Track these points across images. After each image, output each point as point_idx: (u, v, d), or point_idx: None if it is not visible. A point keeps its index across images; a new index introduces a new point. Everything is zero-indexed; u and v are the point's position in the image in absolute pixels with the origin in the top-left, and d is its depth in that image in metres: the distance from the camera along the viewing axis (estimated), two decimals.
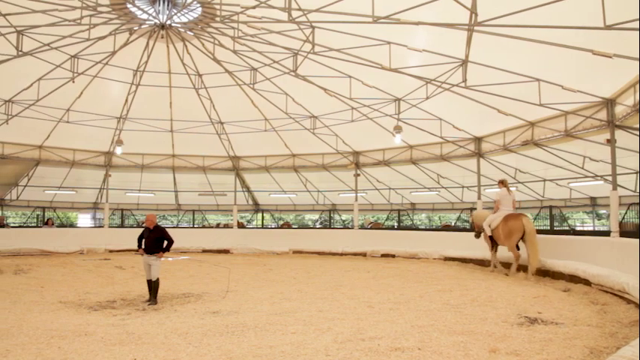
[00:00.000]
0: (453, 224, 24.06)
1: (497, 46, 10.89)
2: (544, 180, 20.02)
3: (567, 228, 18.75)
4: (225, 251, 20.87)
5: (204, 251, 20.73)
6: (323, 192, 26.29)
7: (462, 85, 12.67)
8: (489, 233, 13.16)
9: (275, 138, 21.20)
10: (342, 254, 19.27)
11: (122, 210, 24.56)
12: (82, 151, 21.63)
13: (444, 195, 24.32)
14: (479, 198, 17.67)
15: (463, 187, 22.82)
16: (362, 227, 22.30)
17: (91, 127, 19.61)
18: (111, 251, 19.78)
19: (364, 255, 18.52)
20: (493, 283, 11.14)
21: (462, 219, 24.77)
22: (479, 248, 15.35)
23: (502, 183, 13.21)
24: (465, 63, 12.19)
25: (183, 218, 28.49)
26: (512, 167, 19.16)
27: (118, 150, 19.15)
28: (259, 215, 27.65)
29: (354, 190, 21.75)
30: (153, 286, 9.20)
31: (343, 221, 26.96)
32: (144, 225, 9.62)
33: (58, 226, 22.60)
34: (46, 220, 22.45)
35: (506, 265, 13.33)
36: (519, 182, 20.46)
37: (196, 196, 26.84)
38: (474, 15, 9.30)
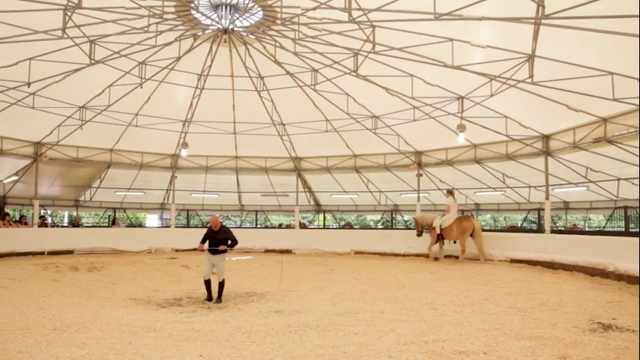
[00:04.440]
0: (519, 225, 23.29)
1: (566, 38, 10.44)
2: (618, 179, 18.92)
3: None
4: (288, 251, 21.12)
5: (267, 251, 21.07)
6: (385, 192, 26.05)
7: (529, 81, 12.21)
8: (438, 231, 17.05)
9: (336, 138, 21.24)
10: (404, 255, 19.06)
11: (187, 210, 25.45)
12: (150, 153, 22.50)
13: (510, 195, 23.51)
14: (547, 198, 16.94)
15: (530, 186, 21.98)
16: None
17: (158, 131, 20.34)
18: (177, 250, 20.45)
19: (427, 256, 18.23)
20: (562, 286, 10.70)
21: (528, 220, 23.89)
22: (547, 250, 14.76)
23: (450, 193, 17.73)
24: (531, 58, 11.76)
25: (246, 219, 29.15)
26: (582, 166, 18.24)
27: (184, 152, 19.87)
28: (321, 216, 27.83)
29: (416, 190, 21.45)
30: (219, 286, 9.49)
31: (405, 222, 26.66)
32: (208, 225, 9.92)
33: (127, 226, 23.69)
34: (113, 220, 23.57)
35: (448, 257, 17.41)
36: (590, 181, 19.46)
37: (259, 197, 27.31)
38: (540, 8, 8.97)
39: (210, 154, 23.29)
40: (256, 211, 26.08)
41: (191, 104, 19.12)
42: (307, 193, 27.02)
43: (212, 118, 20.19)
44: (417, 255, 18.74)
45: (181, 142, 20.28)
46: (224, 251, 9.52)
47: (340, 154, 22.77)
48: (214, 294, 9.61)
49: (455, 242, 17.22)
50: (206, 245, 9.67)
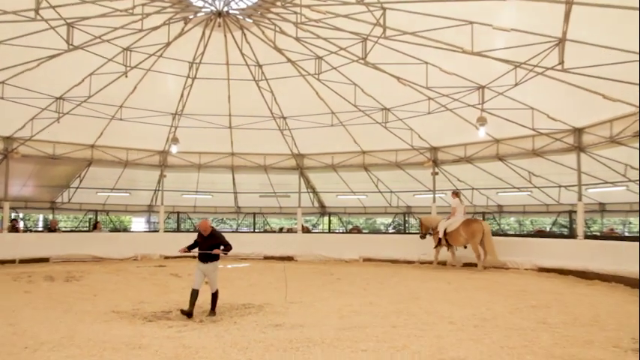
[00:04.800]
0: (547, 229, 23.16)
1: (603, 19, 10.30)
2: None
3: None
4: (289, 258, 21.02)
5: (266, 258, 20.99)
6: (396, 193, 25.94)
7: (559, 67, 12.09)
8: (441, 235, 17.39)
9: (343, 133, 21.18)
10: (418, 263, 18.93)
11: (178, 213, 25.40)
12: (136, 150, 22.49)
13: (537, 196, 23.34)
14: (579, 199, 16.77)
15: (560, 186, 21.79)
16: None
17: (145, 125, 20.30)
18: (166, 257, 20.28)
19: (444, 264, 18.12)
20: (599, 299, 10.57)
21: (559, 224, 23.74)
22: (581, 257, 14.62)
23: (456, 194, 18.11)
24: (561, 42, 11.63)
25: (243, 222, 29.08)
26: (620, 163, 18.03)
27: (174, 149, 19.85)
28: (326, 219, 27.76)
29: (431, 190, 21.36)
30: (212, 297, 9.37)
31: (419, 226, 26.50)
32: (198, 230, 9.73)
33: (110, 231, 23.61)
34: (94, 223, 23.50)
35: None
36: (630, 180, 19.25)
37: (257, 198, 27.26)
38: None
39: (204, 150, 23.27)
40: (254, 214, 26.05)
41: (182, 95, 19.06)
42: (310, 194, 26.94)
43: (205, 111, 20.13)
44: (432, 262, 18.59)
45: (171, 138, 20.23)
46: (216, 259, 9.36)
47: (347, 151, 22.69)
48: (203, 307, 9.47)
49: (465, 247, 17.45)
50: (195, 251, 9.47)
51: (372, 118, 19.47)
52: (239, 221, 29.99)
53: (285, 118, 20.86)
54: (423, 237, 18.74)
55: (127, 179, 24.61)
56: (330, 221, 26.95)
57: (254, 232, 25.31)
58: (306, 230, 24.46)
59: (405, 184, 24.59)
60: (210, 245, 9.27)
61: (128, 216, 33.29)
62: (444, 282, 13.89)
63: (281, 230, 27.58)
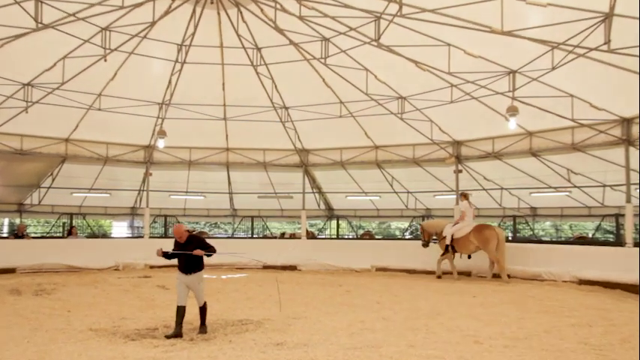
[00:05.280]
0: (589, 235, 23.03)
1: None
2: None
3: None
4: (292, 268, 21.01)
5: (266, 268, 20.96)
6: (414, 193, 25.92)
7: (604, 48, 11.99)
8: (449, 242, 17.51)
9: (353, 126, 21.16)
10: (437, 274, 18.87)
11: (165, 217, 25.41)
12: (117, 144, 22.44)
13: (577, 197, 23.22)
14: (628, 201, 16.59)
15: (604, 186, 21.67)
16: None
17: (128, 116, 20.21)
18: (152, 267, 20.31)
19: (468, 274, 18.04)
20: None
21: (603, 229, 23.62)
22: (630, 268, 14.46)
23: (465, 196, 18.24)
24: (608, 18, 11.53)
25: (239, 227, 29.07)
26: None
27: (161, 143, 19.78)
28: (333, 223, 27.72)
29: (454, 190, 21.29)
30: (200, 312, 9.30)
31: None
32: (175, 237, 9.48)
33: (87, 237, 23.58)
34: (69, 228, 23.46)
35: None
36: None
37: (256, 199, 27.31)
38: None
39: (195, 145, 23.27)
40: (252, 217, 26.03)
41: (169, 82, 19.04)
42: (316, 195, 26.93)
43: (196, 100, 20.12)
44: (457, 273, 18.53)
45: (157, 131, 20.17)
46: (200, 268, 9.21)
47: (358, 146, 22.66)
48: (193, 323, 9.41)
49: (469, 257, 17.75)
50: (180, 261, 9.33)
51: (386, 108, 19.41)
52: (235, 225, 30.02)
53: (287, 108, 20.83)
54: (425, 245, 18.86)
55: (107, 178, 24.65)
56: (338, 226, 26.90)
57: (252, 237, 25.27)
58: (311, 236, 24.41)
59: (423, 184, 24.59)
60: (188, 255, 9.09)
61: (108, 220, 33.34)
62: (468, 295, 13.86)
63: (283, 236, 27.50)
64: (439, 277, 18.01)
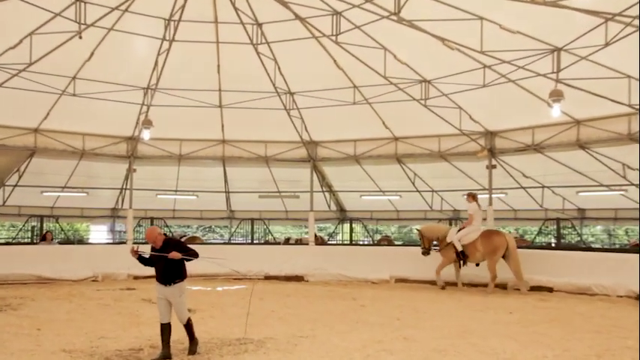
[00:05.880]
0: None
1: None
2: None
3: None
4: (298, 278, 20.99)
5: (269, 278, 20.96)
6: (439, 192, 25.90)
7: None
8: (459, 248, 17.70)
9: (369, 114, 21.12)
10: (469, 284, 18.82)
11: (152, 219, 25.46)
12: (95, 136, 22.41)
13: (635, 196, 23.03)
14: None
15: None
16: None
17: (107, 103, 20.21)
18: (136, 278, 20.26)
19: (504, 287, 17.96)
20: None
21: None
22: None
23: (473, 197, 18.48)
24: None
25: (237, 231, 29.10)
26: None
27: (146, 134, 19.73)
28: (346, 226, 27.67)
29: (486, 189, 21.25)
30: (186, 330, 9.18)
31: None
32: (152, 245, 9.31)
33: (61, 243, 23.61)
34: (43, 233, 23.44)
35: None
36: None
37: (256, 199, 27.36)
38: None
39: (185, 137, 23.33)
40: (252, 220, 26.04)
41: (156, 64, 19.01)
42: (326, 194, 26.90)
43: (187, 85, 20.09)
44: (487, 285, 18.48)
45: (142, 120, 20.17)
46: (180, 278, 9.07)
47: (374, 137, 22.68)
48: (184, 343, 9.38)
49: (477, 265, 18.02)
50: (158, 270, 9.24)
51: (407, 93, 19.34)
52: (232, 229, 30.04)
53: (292, 93, 20.82)
54: (426, 252, 19.04)
55: (84, 175, 24.72)
56: (351, 230, 26.88)
57: (252, 243, 25.27)
58: (320, 241, 24.38)
59: (451, 181, 24.64)
60: (166, 262, 8.96)
61: (85, 223, 33.45)
62: (503, 311, 13.81)
63: (287, 242, 27.56)
64: (443, 287, 18.28)
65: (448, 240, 18.14)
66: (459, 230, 18.23)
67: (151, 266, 9.08)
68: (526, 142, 20.23)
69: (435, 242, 18.97)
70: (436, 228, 19.66)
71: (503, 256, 17.39)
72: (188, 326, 9.17)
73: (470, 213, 18.21)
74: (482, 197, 22.44)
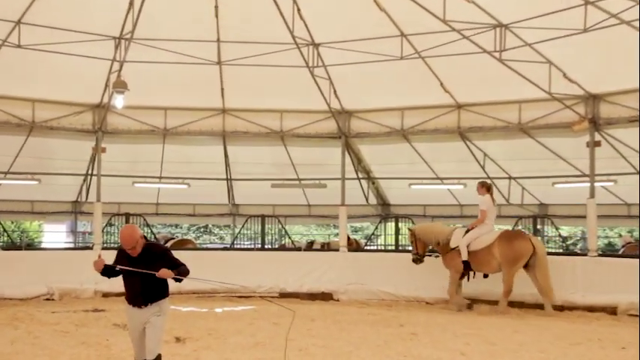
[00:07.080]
0: None
1: None
2: None
3: None
4: (325, 296, 21.05)
5: (284, 295, 21.00)
6: (519, 180, 25.74)
7: None
8: (465, 256, 18.06)
9: (421, 73, 21.00)
10: (562, 307, 18.64)
11: (127, 215, 25.45)
12: (50, 103, 22.52)
13: None
14: None
15: None
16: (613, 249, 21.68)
17: (66, 57, 20.23)
18: (106, 295, 20.45)
19: (614, 312, 17.75)
20: None
21: None
22: None
23: (487, 188, 18.93)
24: None
25: (243, 232, 29.08)
26: None
27: (119, 101, 19.64)
28: (390, 225, 27.57)
29: (586, 175, 21.04)
30: None
31: (564, 239, 26.15)
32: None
33: (4, 248, 23.79)
34: None
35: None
36: None
37: (268, 189, 27.44)
38: None
39: (172, 104, 23.42)
40: (263, 217, 25.97)
41: (131, 5, 18.91)
42: (363, 182, 26.85)
43: (174, 34, 20.10)
44: (592, 308, 18.29)
45: (113, 81, 20.10)
46: (162, 296, 8.84)
47: (429, 105, 22.64)
48: None
49: (486, 276, 18.67)
50: (132, 286, 9.03)
51: (475, 43, 19.18)
52: (235, 230, 30.06)
53: (316, 45, 20.74)
54: (419, 260, 19.78)
55: (34, 156, 24.92)
56: (397, 231, 26.67)
57: (262, 249, 25.25)
58: (355, 246, 24.36)
59: (535, 164, 24.55)
60: (145, 276, 8.61)
61: (36, 221, 33.69)
62: (613, 345, 13.62)
63: (311, 247, 27.55)
64: (460, 309, 18.62)
65: (453, 244, 18.45)
66: (467, 231, 18.49)
67: (116, 276, 8.76)
68: None
69: (432, 249, 19.58)
70: (435, 228, 19.92)
71: (525, 266, 17.79)
72: None
73: (481, 208, 18.51)
74: (580, 187, 22.23)
